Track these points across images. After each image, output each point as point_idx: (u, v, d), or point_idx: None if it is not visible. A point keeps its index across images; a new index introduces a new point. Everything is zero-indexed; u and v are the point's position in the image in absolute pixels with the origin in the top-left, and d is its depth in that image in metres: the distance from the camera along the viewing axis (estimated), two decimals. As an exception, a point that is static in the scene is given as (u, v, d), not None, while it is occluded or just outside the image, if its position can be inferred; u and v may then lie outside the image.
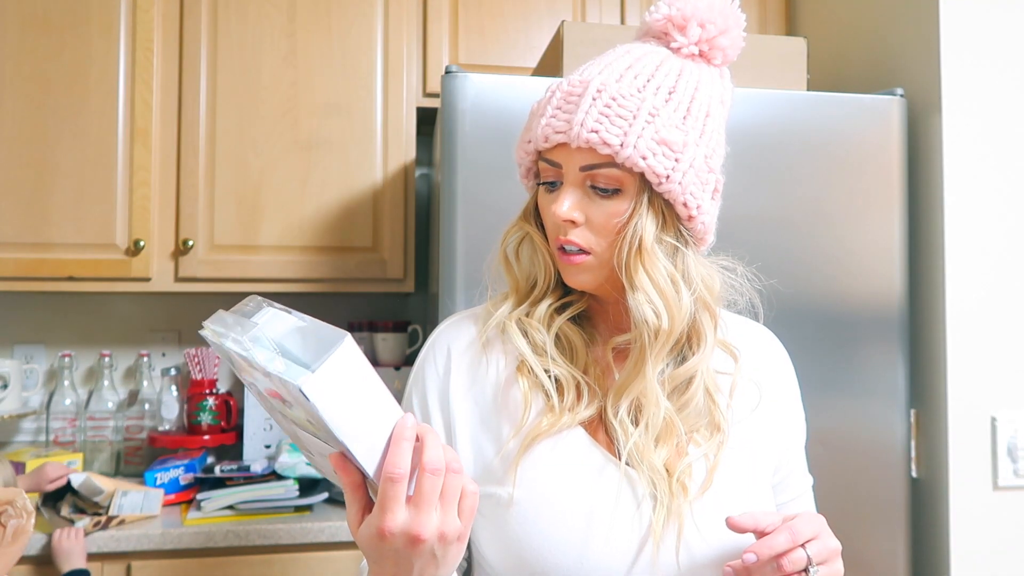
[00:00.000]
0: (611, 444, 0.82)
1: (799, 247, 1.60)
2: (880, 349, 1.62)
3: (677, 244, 0.80)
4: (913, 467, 1.67)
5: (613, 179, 0.78)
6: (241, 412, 2.12)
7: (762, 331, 0.96)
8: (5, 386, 2.00)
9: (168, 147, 1.97)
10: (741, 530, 0.73)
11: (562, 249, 0.82)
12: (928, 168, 1.69)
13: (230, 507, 1.78)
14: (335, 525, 1.73)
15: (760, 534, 0.73)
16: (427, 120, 2.09)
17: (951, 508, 1.61)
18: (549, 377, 0.82)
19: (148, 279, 1.96)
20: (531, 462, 0.81)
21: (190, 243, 1.94)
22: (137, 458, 2.08)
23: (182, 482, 1.86)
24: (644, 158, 0.77)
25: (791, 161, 1.60)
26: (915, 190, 1.71)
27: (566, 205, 0.79)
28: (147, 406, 2.11)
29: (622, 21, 2.13)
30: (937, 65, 1.66)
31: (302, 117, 2.00)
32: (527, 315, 0.85)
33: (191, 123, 1.97)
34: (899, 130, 1.66)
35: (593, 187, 0.79)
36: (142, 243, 1.92)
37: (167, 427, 2.09)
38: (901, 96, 1.67)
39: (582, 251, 0.81)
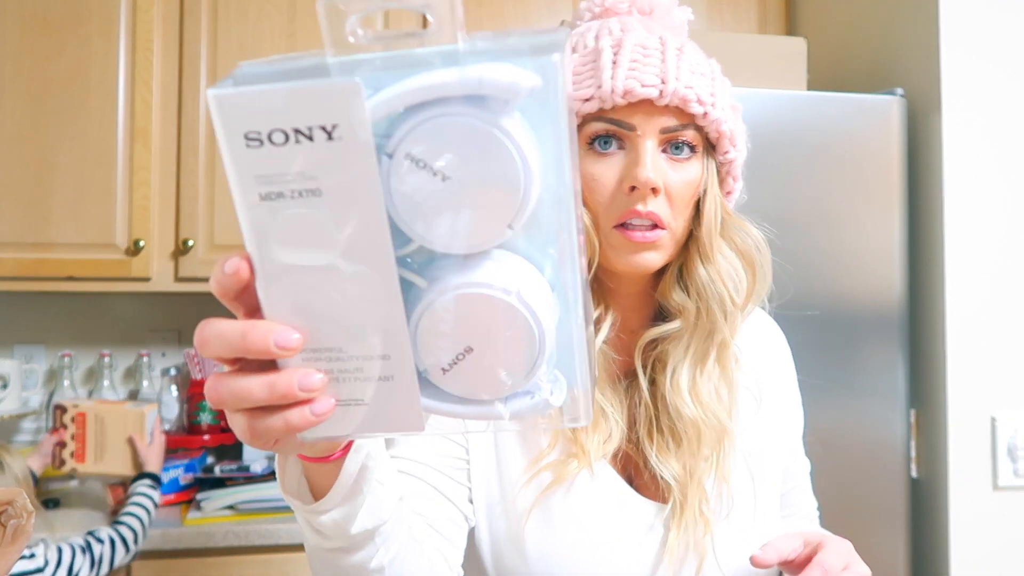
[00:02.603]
0: (638, 470, 0.77)
1: (799, 247, 1.60)
2: (880, 349, 1.62)
3: None
4: (913, 467, 1.67)
5: (690, 142, 0.71)
6: (241, 412, 2.12)
7: (757, 316, 0.88)
8: (5, 386, 2.00)
9: (168, 147, 1.97)
10: (766, 566, 0.67)
11: (624, 225, 0.70)
12: (928, 168, 1.69)
13: (230, 507, 1.78)
14: (335, 525, 1.73)
15: (784, 563, 0.69)
16: (427, 120, 2.09)
17: (951, 508, 1.61)
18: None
19: (148, 279, 1.96)
20: (545, 518, 0.74)
21: (190, 243, 1.94)
22: (137, 458, 2.08)
23: (182, 482, 1.86)
24: (724, 121, 0.71)
25: (791, 161, 1.60)
26: (915, 190, 1.71)
27: (652, 170, 0.68)
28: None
29: (622, 21, 2.13)
30: (937, 65, 1.66)
31: (302, 117, 2.00)
32: None
33: (191, 123, 1.97)
34: (899, 130, 1.66)
35: (671, 151, 0.71)
36: (142, 243, 1.92)
37: (167, 427, 2.09)
38: (901, 96, 1.67)
39: (656, 226, 0.70)
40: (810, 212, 1.61)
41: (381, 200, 0.38)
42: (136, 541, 1.59)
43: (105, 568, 1.53)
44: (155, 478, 1.73)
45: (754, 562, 0.67)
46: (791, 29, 2.23)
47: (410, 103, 0.37)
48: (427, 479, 0.74)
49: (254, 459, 1.92)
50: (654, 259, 0.71)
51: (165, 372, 2.12)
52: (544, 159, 0.38)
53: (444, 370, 0.41)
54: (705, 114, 0.70)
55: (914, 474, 1.68)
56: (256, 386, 0.41)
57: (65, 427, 1.79)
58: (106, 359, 2.12)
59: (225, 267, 0.41)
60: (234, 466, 1.85)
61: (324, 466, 0.53)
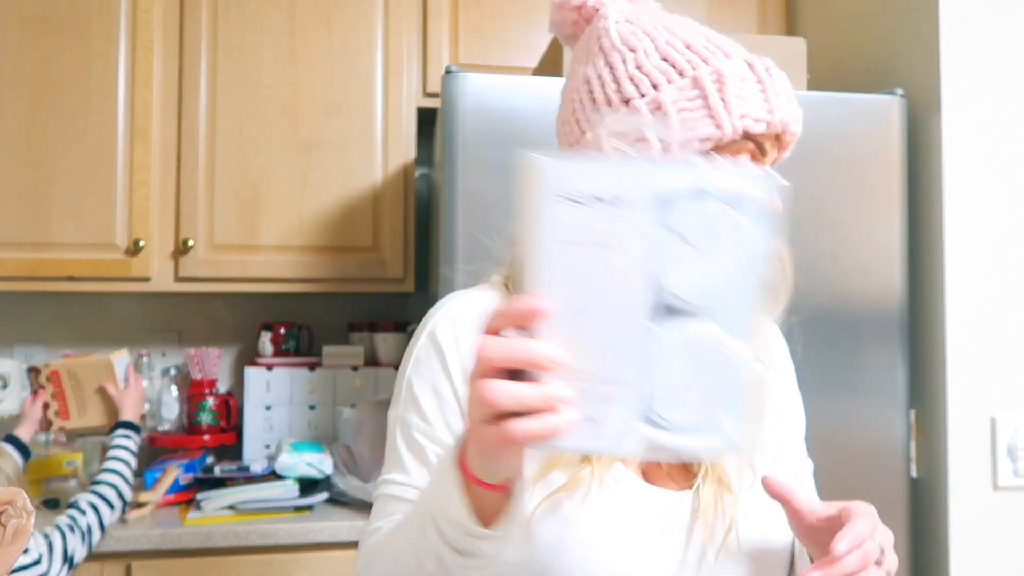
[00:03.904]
0: (652, 463, 0.78)
1: (799, 247, 1.60)
2: (880, 349, 1.62)
3: None
4: (913, 467, 1.67)
5: None
6: (241, 412, 2.12)
7: None
8: (5, 386, 2.00)
9: (168, 147, 1.97)
10: (775, 493, 0.72)
11: None
12: (928, 168, 1.69)
13: (230, 507, 1.78)
14: (335, 525, 1.73)
15: (791, 509, 0.73)
16: (427, 120, 2.09)
17: (951, 508, 1.61)
18: None
19: (148, 279, 1.96)
20: (561, 524, 0.73)
21: (190, 243, 1.94)
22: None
23: (182, 482, 1.86)
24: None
25: (791, 161, 1.60)
26: (915, 190, 1.71)
27: None
28: (147, 406, 2.11)
29: (622, 21, 2.13)
30: (937, 65, 1.66)
31: (302, 117, 2.00)
32: None
33: (191, 123, 1.97)
34: (899, 130, 1.66)
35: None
36: (142, 243, 1.92)
37: (167, 427, 2.09)
38: (901, 96, 1.67)
39: None
40: (810, 212, 1.61)
41: (649, 259, 0.50)
42: (120, 495, 1.60)
43: (97, 535, 1.53)
44: (130, 425, 1.73)
45: (766, 483, 0.71)
46: (791, 29, 2.23)
47: (674, 187, 0.50)
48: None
49: (254, 459, 1.92)
50: None
51: (165, 372, 2.13)
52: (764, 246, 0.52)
53: (665, 403, 0.50)
54: (795, 133, 0.77)
55: (914, 474, 1.68)
56: (528, 391, 0.49)
57: (43, 387, 1.79)
58: (106, 359, 2.12)
59: (527, 303, 0.50)
60: (234, 466, 1.85)
61: (494, 494, 0.58)
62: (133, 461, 1.68)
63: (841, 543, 0.66)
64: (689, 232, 0.50)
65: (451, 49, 2.07)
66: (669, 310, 0.50)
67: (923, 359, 1.69)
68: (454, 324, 0.79)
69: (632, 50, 0.77)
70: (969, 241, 1.65)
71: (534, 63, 2.02)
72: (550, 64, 1.70)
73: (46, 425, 1.79)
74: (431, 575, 0.64)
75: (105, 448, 1.73)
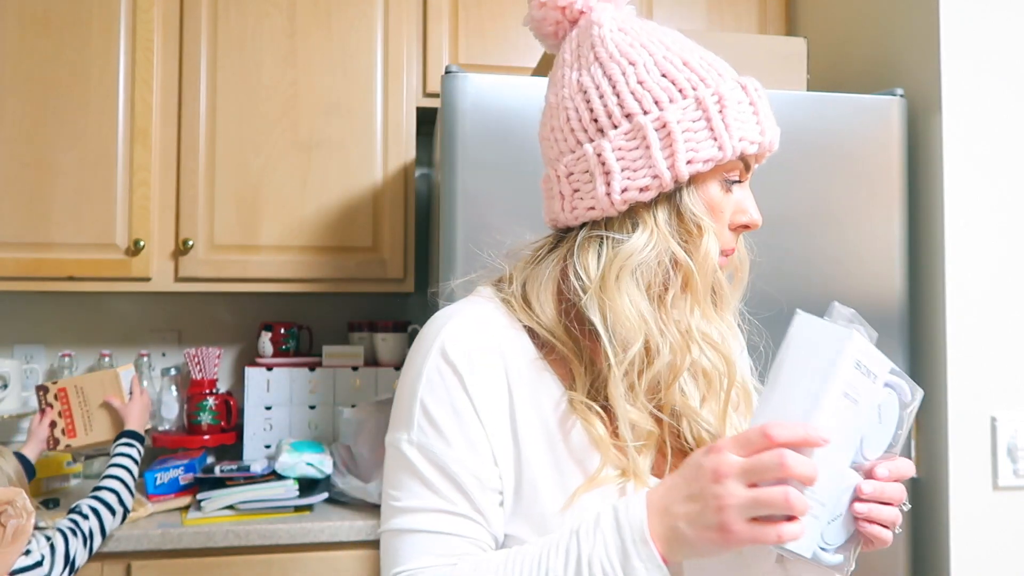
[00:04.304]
0: (662, 460, 0.80)
1: (799, 247, 1.60)
2: (880, 349, 1.62)
3: None
4: (913, 467, 1.67)
5: None
6: (241, 412, 2.12)
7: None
8: (5, 386, 2.00)
9: (168, 147, 1.97)
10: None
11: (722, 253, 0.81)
12: (928, 168, 1.69)
13: (230, 507, 1.78)
14: (335, 525, 1.73)
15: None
16: (427, 120, 2.09)
17: (951, 508, 1.61)
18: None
19: (148, 279, 1.96)
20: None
21: (190, 243, 1.94)
22: (137, 458, 2.08)
23: (182, 482, 1.86)
24: None
25: (791, 161, 1.60)
26: (915, 190, 1.71)
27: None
28: (150, 424, 2.10)
29: (622, 21, 2.13)
30: (937, 65, 1.66)
31: (302, 117, 2.00)
32: None
33: (191, 123, 1.97)
34: (899, 130, 1.66)
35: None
36: (142, 243, 1.92)
37: (167, 427, 2.09)
38: (901, 96, 1.67)
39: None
40: (810, 212, 1.61)
41: (867, 423, 0.70)
42: (121, 502, 1.59)
43: (98, 540, 1.53)
44: (134, 434, 1.73)
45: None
46: (791, 29, 2.23)
47: (889, 378, 0.72)
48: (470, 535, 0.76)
49: (254, 459, 1.92)
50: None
51: (165, 372, 2.12)
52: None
53: (832, 528, 0.68)
54: (774, 151, 0.82)
55: (914, 474, 1.68)
56: (783, 498, 0.61)
57: (51, 406, 1.79)
58: (106, 359, 2.12)
59: (814, 436, 0.63)
60: (234, 466, 1.85)
61: (671, 567, 0.67)
62: (135, 469, 1.68)
63: (882, 468, 0.72)
64: (882, 413, 0.71)
65: (451, 49, 2.07)
66: (853, 461, 0.70)
67: (923, 360, 1.69)
68: (466, 343, 0.77)
69: (632, 63, 0.78)
70: (969, 241, 1.65)
71: (534, 63, 2.02)
72: (550, 64, 1.69)
73: (53, 444, 1.79)
74: None
75: (107, 453, 1.73)
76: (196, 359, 2.11)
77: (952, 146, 1.65)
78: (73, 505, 1.56)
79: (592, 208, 0.78)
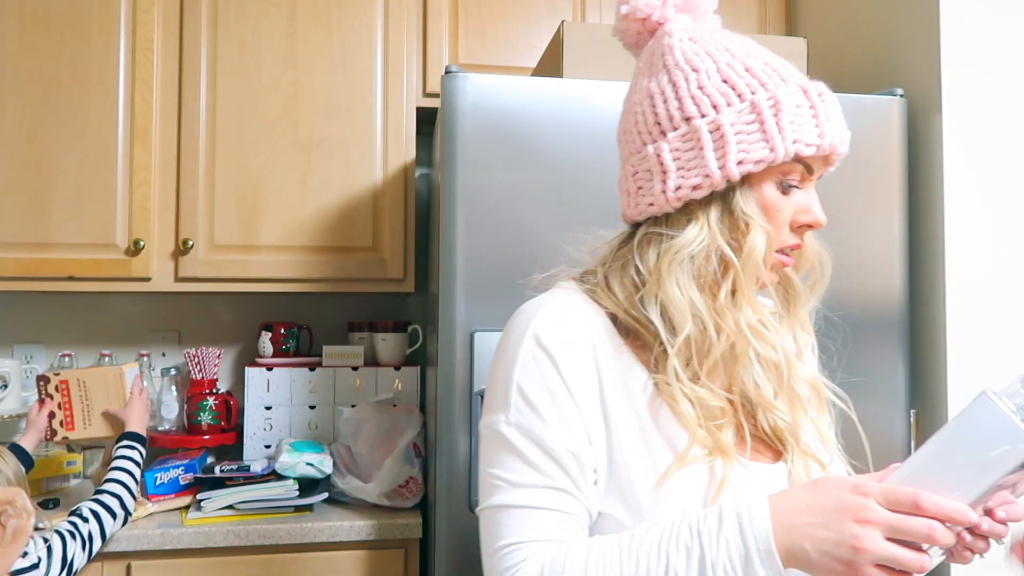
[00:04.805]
0: (743, 441, 0.83)
1: (799, 247, 1.60)
2: (880, 349, 1.62)
3: None
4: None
5: None
6: (241, 412, 2.12)
7: None
8: (5, 386, 2.00)
9: (168, 147, 1.97)
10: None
11: (783, 252, 0.85)
12: (928, 168, 1.69)
13: (230, 507, 1.78)
14: (335, 525, 1.73)
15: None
16: (427, 120, 2.09)
17: (951, 508, 1.61)
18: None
19: (148, 279, 1.96)
20: (679, 497, 0.79)
21: (190, 243, 1.95)
22: (137, 458, 2.08)
23: (182, 482, 1.86)
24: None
25: (791, 161, 1.60)
26: (915, 190, 1.71)
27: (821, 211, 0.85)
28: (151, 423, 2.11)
29: (622, 21, 2.13)
30: (937, 65, 1.66)
31: (302, 117, 2.00)
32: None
33: (191, 123, 1.97)
34: (899, 130, 1.66)
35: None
36: (142, 243, 1.92)
37: (167, 427, 2.09)
38: (901, 96, 1.67)
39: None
40: (810, 212, 1.61)
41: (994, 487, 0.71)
42: (123, 505, 1.59)
43: (98, 543, 1.53)
44: (134, 436, 1.73)
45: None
46: (791, 29, 2.23)
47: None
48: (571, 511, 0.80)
49: (254, 459, 1.92)
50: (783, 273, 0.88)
51: (165, 372, 2.12)
52: None
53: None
54: (842, 154, 0.86)
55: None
56: (919, 564, 0.69)
57: (51, 397, 1.78)
58: (106, 359, 2.12)
59: (968, 519, 0.69)
60: (234, 466, 1.85)
61: None
62: (137, 472, 1.67)
63: (1001, 511, 0.75)
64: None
65: (451, 49, 2.07)
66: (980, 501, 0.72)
67: (923, 359, 1.69)
68: (558, 329, 0.82)
69: (695, 70, 0.83)
70: (969, 241, 1.65)
71: (534, 63, 2.02)
72: (550, 64, 1.70)
73: (50, 435, 1.78)
74: None
75: (106, 454, 1.72)
76: (196, 359, 2.11)
77: (952, 146, 1.65)
78: (74, 507, 1.56)
79: (651, 205, 0.84)
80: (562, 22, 1.63)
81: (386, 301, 2.34)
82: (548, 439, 0.78)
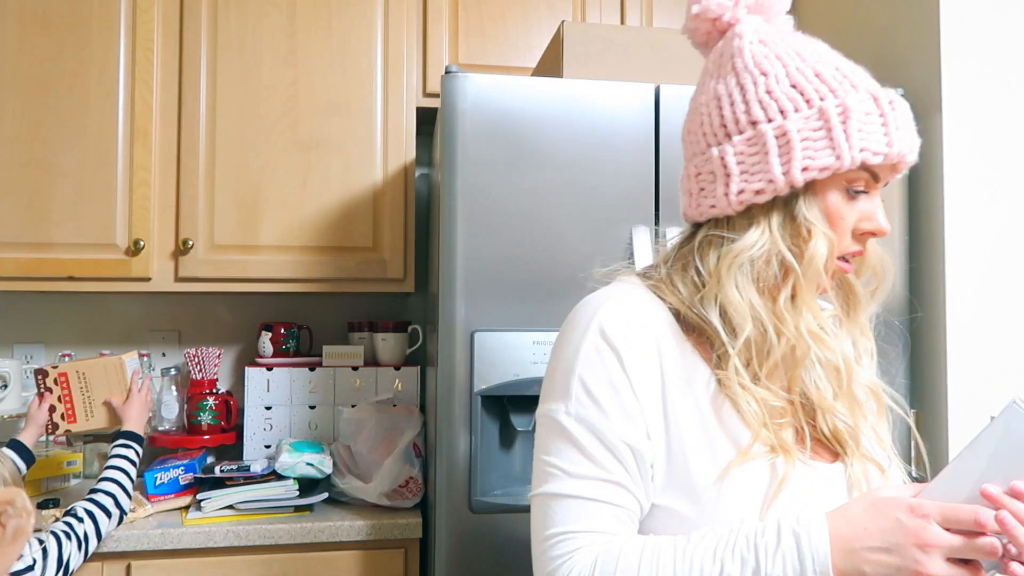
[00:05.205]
0: (803, 441, 0.83)
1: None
2: (880, 349, 1.62)
3: None
4: (913, 467, 1.67)
5: None
6: (241, 412, 2.12)
7: None
8: (5, 386, 2.00)
9: (168, 147, 1.97)
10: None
11: (844, 259, 0.85)
12: (928, 168, 1.69)
13: (230, 507, 1.78)
14: (335, 525, 1.73)
15: None
16: (427, 120, 2.09)
17: (951, 508, 1.61)
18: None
19: (148, 279, 1.96)
20: (740, 494, 0.79)
21: (190, 243, 1.95)
22: (137, 458, 2.08)
23: (182, 482, 1.86)
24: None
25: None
26: (915, 190, 1.71)
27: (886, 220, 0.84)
28: (151, 415, 2.10)
29: (622, 21, 2.13)
30: (937, 65, 1.66)
31: (302, 117, 2.00)
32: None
33: (191, 123, 1.97)
34: (899, 130, 1.65)
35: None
36: (142, 243, 1.92)
37: (167, 427, 2.09)
38: (901, 96, 1.67)
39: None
40: (810, 212, 1.61)
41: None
42: (118, 504, 1.59)
43: (93, 543, 1.53)
44: (130, 435, 1.72)
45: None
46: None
47: None
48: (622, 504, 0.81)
49: (254, 459, 1.92)
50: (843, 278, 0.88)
51: (165, 372, 2.12)
52: None
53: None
54: (911, 162, 0.83)
55: (914, 474, 1.68)
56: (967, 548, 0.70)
57: (50, 390, 1.77)
58: (106, 359, 2.12)
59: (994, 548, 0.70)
60: (234, 466, 1.85)
61: None
62: (132, 471, 1.67)
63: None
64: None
65: (451, 49, 2.07)
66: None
67: (923, 359, 1.69)
68: (623, 324, 0.82)
69: (764, 74, 0.83)
70: (969, 241, 1.65)
71: (534, 63, 2.02)
72: (550, 64, 1.70)
73: (52, 429, 1.77)
74: None
75: (103, 455, 1.72)
76: (196, 359, 2.11)
77: (952, 145, 1.65)
78: (68, 507, 1.56)
79: (713, 207, 0.84)
80: (562, 22, 1.63)
81: (386, 301, 2.34)
82: (608, 432, 0.79)
